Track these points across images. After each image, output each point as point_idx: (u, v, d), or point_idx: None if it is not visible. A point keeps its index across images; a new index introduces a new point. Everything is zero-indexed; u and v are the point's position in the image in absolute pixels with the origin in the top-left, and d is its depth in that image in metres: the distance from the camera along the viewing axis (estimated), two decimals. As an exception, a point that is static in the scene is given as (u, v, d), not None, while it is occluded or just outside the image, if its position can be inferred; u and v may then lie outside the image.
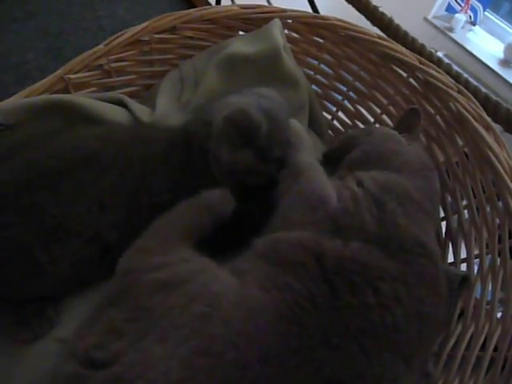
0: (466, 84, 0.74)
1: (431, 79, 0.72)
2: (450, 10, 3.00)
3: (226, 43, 0.79)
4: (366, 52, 0.78)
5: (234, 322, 0.42)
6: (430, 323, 0.47)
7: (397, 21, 0.88)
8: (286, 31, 0.79)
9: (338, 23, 0.78)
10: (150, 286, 0.45)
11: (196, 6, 0.84)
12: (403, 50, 0.75)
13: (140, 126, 0.70)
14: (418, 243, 0.49)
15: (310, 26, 0.79)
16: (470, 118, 0.68)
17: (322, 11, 0.79)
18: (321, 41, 0.80)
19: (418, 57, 0.75)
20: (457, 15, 2.91)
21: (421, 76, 0.74)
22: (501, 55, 2.82)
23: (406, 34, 0.80)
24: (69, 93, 0.74)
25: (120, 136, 0.60)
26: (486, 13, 2.97)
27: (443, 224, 0.72)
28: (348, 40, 0.78)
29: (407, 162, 0.57)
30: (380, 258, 0.46)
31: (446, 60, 0.77)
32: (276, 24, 0.76)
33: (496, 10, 3.05)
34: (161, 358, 0.40)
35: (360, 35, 0.76)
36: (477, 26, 3.00)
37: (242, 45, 0.76)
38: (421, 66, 0.73)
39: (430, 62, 0.74)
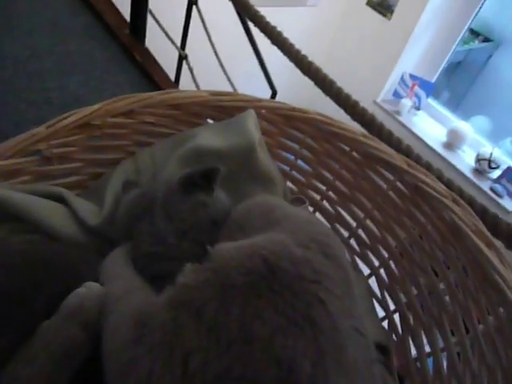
0: (460, 192, 0.68)
1: (421, 184, 0.65)
2: (396, 95, 3.17)
3: (192, 133, 0.69)
4: (348, 150, 0.70)
5: None
6: None
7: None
8: (260, 121, 0.71)
9: (319, 117, 0.70)
10: None
11: (158, 84, 0.75)
12: (389, 150, 0.68)
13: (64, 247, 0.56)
14: None
15: (287, 118, 0.71)
16: (469, 231, 0.60)
17: (300, 103, 0.72)
18: (299, 135, 0.72)
19: (406, 159, 0.68)
20: (403, 100, 3.08)
21: (409, 180, 0.67)
22: (444, 139, 2.97)
23: (390, 133, 0.74)
24: (-6, 182, 0.60)
25: (39, 266, 0.46)
26: (428, 100, 3.16)
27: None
28: (329, 136, 0.71)
29: None
30: None
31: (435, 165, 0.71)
32: (250, 115, 0.68)
33: (437, 97, 3.26)
34: None
35: (343, 132, 0.69)
36: (421, 111, 3.17)
37: (211, 137, 0.66)
38: (409, 169, 0.66)
39: (418, 164, 0.67)
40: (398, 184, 0.68)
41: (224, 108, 0.71)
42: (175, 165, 0.64)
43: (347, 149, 0.70)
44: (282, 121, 0.71)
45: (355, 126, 0.72)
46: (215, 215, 0.52)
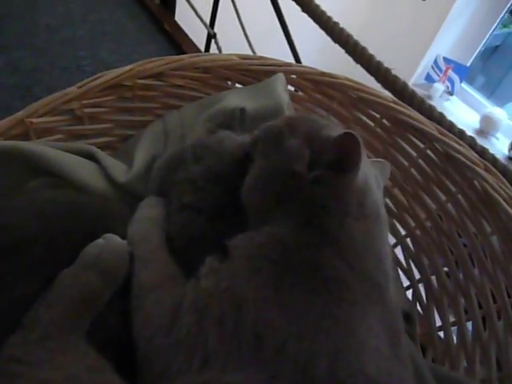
0: (494, 161, 0.66)
1: (453, 152, 0.64)
2: (428, 79, 3.08)
3: (221, 96, 0.69)
4: (378, 117, 0.69)
5: None
6: None
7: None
8: (289, 87, 0.70)
9: (349, 83, 0.69)
10: None
11: (187, 53, 0.75)
12: (420, 117, 0.67)
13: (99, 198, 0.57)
14: None
15: (316, 83, 0.70)
16: (501, 200, 0.59)
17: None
18: (328, 101, 0.71)
19: (438, 126, 0.66)
20: (435, 84, 2.99)
21: (440, 148, 0.65)
22: (477, 125, 2.88)
23: (422, 100, 0.73)
24: (29, 139, 0.62)
25: (68, 216, 0.47)
26: (462, 84, 3.06)
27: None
28: (358, 102, 0.69)
29: None
30: None
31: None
32: (280, 79, 0.67)
33: (471, 82, 3.16)
34: None
35: (373, 98, 0.68)
36: (454, 96, 3.08)
37: (239, 99, 0.66)
38: (441, 136, 0.65)
39: (451, 133, 0.66)
40: (429, 152, 0.67)
41: (253, 72, 0.70)
42: (203, 125, 0.64)
43: (377, 115, 0.69)
44: (311, 86, 0.71)
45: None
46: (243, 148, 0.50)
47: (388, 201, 0.71)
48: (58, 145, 0.62)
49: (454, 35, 2.95)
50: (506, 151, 2.72)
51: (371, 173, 0.45)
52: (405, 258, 0.70)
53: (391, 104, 0.67)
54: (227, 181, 0.48)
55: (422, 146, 0.67)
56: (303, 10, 0.88)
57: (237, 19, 1.56)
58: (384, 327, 0.38)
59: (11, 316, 0.38)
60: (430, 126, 0.66)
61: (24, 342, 0.37)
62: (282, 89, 0.66)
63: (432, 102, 2.68)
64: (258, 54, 1.71)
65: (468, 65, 3.05)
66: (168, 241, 0.47)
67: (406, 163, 0.69)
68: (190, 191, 0.49)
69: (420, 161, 0.68)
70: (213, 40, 1.62)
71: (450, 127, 0.71)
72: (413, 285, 0.69)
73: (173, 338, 0.37)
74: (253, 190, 0.45)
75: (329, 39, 0.93)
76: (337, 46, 0.91)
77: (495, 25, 2.87)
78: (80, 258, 0.43)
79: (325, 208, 0.40)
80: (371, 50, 0.87)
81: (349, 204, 0.41)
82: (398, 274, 0.68)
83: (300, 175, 0.41)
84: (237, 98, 0.67)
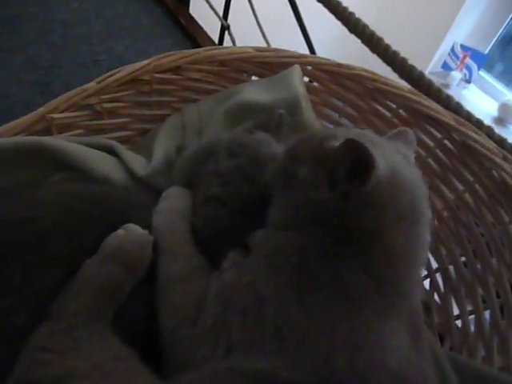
0: (512, 151, 0.66)
1: (470, 142, 0.63)
2: (445, 67, 3.03)
3: (237, 89, 0.69)
4: (394, 107, 0.69)
5: None
6: None
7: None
8: (304, 78, 0.70)
9: (365, 74, 0.69)
10: None
11: (202, 47, 0.75)
12: (438, 107, 0.67)
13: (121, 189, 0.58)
14: None
15: (332, 74, 0.70)
16: (520, 190, 0.58)
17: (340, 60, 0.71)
18: (344, 92, 0.71)
19: (455, 116, 0.66)
20: (452, 73, 2.94)
21: (458, 138, 0.65)
22: (495, 113, 2.83)
23: (439, 90, 0.72)
24: (51, 134, 0.63)
25: (91, 207, 0.47)
26: (480, 72, 3.00)
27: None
28: (375, 93, 0.69)
29: None
30: None
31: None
32: (296, 71, 0.67)
33: (489, 69, 3.10)
34: None
35: (390, 89, 0.68)
36: (471, 84, 3.03)
37: (256, 91, 0.67)
38: (458, 126, 0.65)
39: (468, 122, 0.65)
40: (446, 142, 0.66)
41: (269, 64, 0.71)
42: (220, 119, 0.65)
43: (393, 106, 0.69)
44: (327, 77, 0.71)
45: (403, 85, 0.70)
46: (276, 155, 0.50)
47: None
48: (78, 139, 0.63)
49: (472, 22, 2.89)
50: (525, 139, 2.66)
51: (397, 158, 0.42)
52: (422, 248, 0.70)
53: (408, 94, 0.67)
54: (255, 183, 0.49)
55: (439, 135, 0.67)
56: (318, 0, 0.88)
57: (250, 10, 1.56)
58: (406, 326, 0.38)
59: (37, 306, 0.40)
60: (447, 116, 0.66)
61: (51, 331, 0.38)
62: (298, 81, 0.66)
63: (449, 91, 2.64)
64: (272, 45, 1.71)
65: (486, 52, 2.99)
66: (192, 232, 0.48)
67: (424, 153, 0.69)
68: (218, 183, 0.50)
69: (437, 151, 0.68)
70: (226, 32, 1.62)
71: (468, 117, 0.70)
72: (430, 274, 0.69)
73: (198, 328, 0.39)
74: (279, 224, 0.44)
75: (343, 29, 0.93)
76: (351, 35, 0.91)
77: (514, 11, 2.81)
78: (101, 249, 0.44)
79: (355, 220, 0.39)
80: (387, 39, 0.86)
81: (380, 209, 0.38)
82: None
83: (324, 199, 0.40)
84: (253, 90, 0.67)
